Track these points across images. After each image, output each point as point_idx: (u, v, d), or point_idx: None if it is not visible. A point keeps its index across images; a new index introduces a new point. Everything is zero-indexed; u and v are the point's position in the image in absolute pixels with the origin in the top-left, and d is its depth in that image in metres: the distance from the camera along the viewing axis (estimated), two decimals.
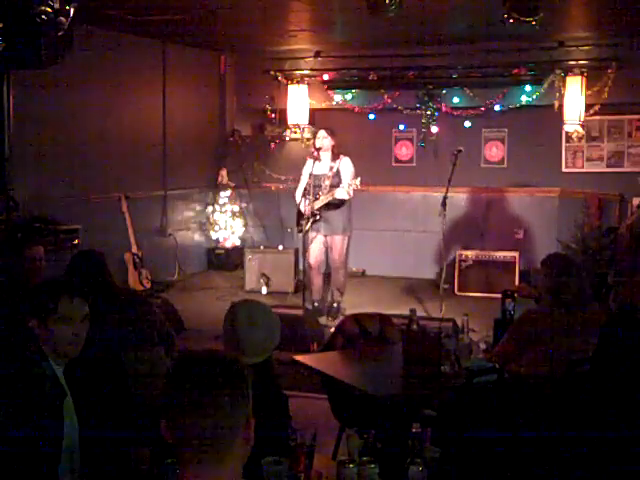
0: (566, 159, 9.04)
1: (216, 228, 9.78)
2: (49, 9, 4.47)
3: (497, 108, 8.80)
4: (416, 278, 9.05)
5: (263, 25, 7.79)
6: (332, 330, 5.30)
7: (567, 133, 8.86)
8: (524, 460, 3.20)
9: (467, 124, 9.05)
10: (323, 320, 7.01)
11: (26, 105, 6.40)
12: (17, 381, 2.67)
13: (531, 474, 3.15)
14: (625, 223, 6.73)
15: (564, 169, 9.05)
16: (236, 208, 9.79)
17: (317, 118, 9.66)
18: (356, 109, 9.36)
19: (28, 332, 2.79)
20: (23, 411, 2.61)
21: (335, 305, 7.31)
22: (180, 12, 6.98)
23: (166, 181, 9.07)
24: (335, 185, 7.03)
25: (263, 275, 8.53)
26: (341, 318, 6.09)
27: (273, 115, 9.61)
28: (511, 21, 5.35)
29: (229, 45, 9.42)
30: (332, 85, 9.35)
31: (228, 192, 9.73)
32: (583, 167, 8.97)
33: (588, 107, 8.32)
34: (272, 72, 9.35)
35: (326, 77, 9.31)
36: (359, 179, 6.83)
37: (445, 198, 7.23)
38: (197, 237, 9.83)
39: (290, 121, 9.36)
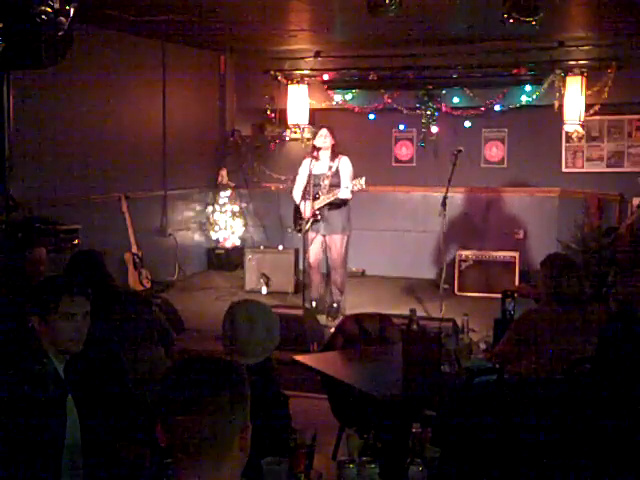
0: (566, 159, 9.04)
1: (216, 228, 9.78)
2: (49, 9, 4.47)
3: (497, 108, 8.80)
4: (416, 278, 9.05)
5: (263, 25, 7.79)
6: (332, 330, 5.31)
7: (567, 133, 8.86)
8: (524, 460, 3.20)
9: (467, 124, 9.04)
10: (323, 320, 7.01)
11: (26, 105, 6.39)
12: (19, 379, 2.67)
13: (531, 474, 3.14)
14: (625, 223, 6.71)
15: (564, 169, 9.05)
16: (236, 208, 9.79)
17: (317, 118, 9.65)
18: (356, 109, 9.36)
19: (29, 330, 2.79)
20: (25, 409, 2.61)
21: (335, 305, 7.31)
22: (180, 12, 6.98)
23: (166, 181, 9.07)
24: (335, 185, 7.02)
25: (263, 275, 8.53)
26: (341, 318, 6.09)
27: (273, 115, 9.61)
28: (511, 21, 5.35)
29: (229, 45, 9.42)
30: (332, 85, 9.35)
31: (228, 192, 9.73)
32: (583, 167, 8.96)
33: (588, 107, 8.32)
34: (272, 72, 9.34)
35: (326, 77, 9.31)
36: (364, 179, 6.79)
37: (445, 198, 7.23)
38: (197, 237, 9.83)
39: (290, 121, 9.35)
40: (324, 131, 7.09)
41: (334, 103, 9.43)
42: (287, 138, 9.72)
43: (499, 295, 4.88)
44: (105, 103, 7.93)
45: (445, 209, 7.25)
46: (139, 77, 8.53)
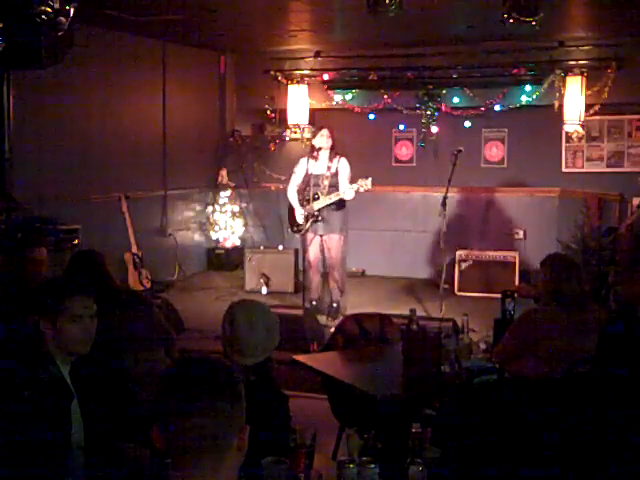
0: (566, 159, 9.03)
1: (216, 228, 9.78)
2: (49, 9, 4.47)
3: (497, 108, 8.80)
4: (416, 278, 9.05)
5: (263, 25, 7.79)
6: (332, 330, 5.31)
7: (567, 133, 8.86)
8: (524, 460, 3.20)
9: (467, 124, 9.04)
10: (323, 320, 7.01)
11: (26, 105, 6.39)
12: (25, 383, 2.67)
13: (531, 474, 3.14)
14: (625, 223, 6.71)
15: (564, 169, 9.04)
16: (236, 208, 9.79)
17: (317, 118, 9.65)
18: (356, 109, 9.36)
19: (35, 332, 2.79)
20: (31, 413, 2.61)
21: (335, 305, 7.31)
22: (180, 12, 6.98)
23: (166, 181, 9.07)
24: (334, 185, 7.03)
25: (263, 275, 8.53)
26: (341, 318, 6.09)
27: (273, 115, 9.61)
28: (511, 21, 5.35)
29: (229, 45, 9.42)
30: (332, 85, 9.35)
31: (228, 192, 9.73)
32: (583, 167, 8.96)
33: (588, 107, 8.32)
34: (272, 72, 9.34)
35: (326, 77, 9.31)
36: (370, 180, 6.82)
37: (445, 198, 7.23)
38: (197, 237, 9.83)
39: (290, 121, 9.35)
40: (325, 131, 7.08)
41: (334, 103, 9.43)
42: (287, 138, 9.72)
43: (499, 295, 4.88)
44: (105, 103, 7.94)
45: (445, 209, 7.25)
46: (139, 77, 8.53)
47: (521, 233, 8.93)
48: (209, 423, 1.71)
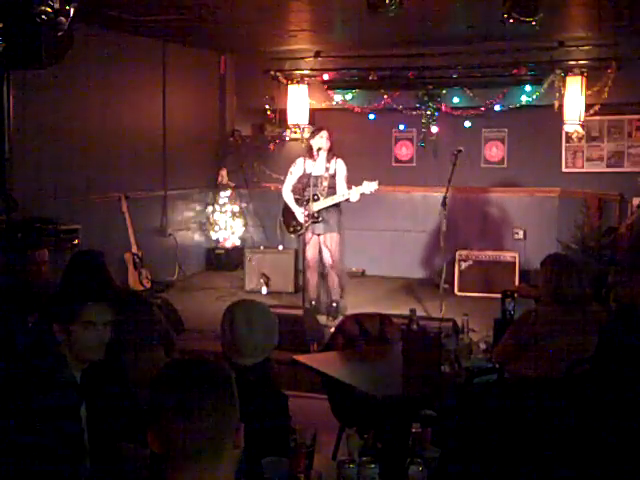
0: (566, 159, 9.03)
1: (216, 228, 9.78)
2: (49, 9, 4.46)
3: (497, 108, 8.80)
4: (416, 278, 9.05)
5: (263, 25, 7.79)
6: (332, 330, 5.31)
7: (567, 133, 8.86)
8: (524, 460, 3.20)
9: (467, 124, 9.04)
10: (323, 320, 7.01)
11: (26, 105, 6.39)
12: (39, 385, 2.67)
13: (531, 474, 3.14)
14: (625, 223, 6.72)
15: (564, 169, 9.04)
16: (236, 208, 9.79)
17: (317, 118, 9.65)
18: (356, 109, 9.36)
19: (49, 337, 2.79)
20: (43, 418, 2.61)
21: (334, 304, 7.31)
22: (180, 12, 6.98)
23: (166, 181, 9.07)
24: (332, 186, 7.06)
25: (263, 275, 8.53)
26: (341, 318, 6.09)
27: (273, 115, 9.61)
28: (511, 21, 5.35)
29: (229, 45, 9.42)
30: (332, 85, 9.35)
31: (228, 192, 9.74)
32: (583, 167, 8.96)
33: (588, 107, 8.32)
34: (272, 72, 9.34)
35: (326, 77, 9.31)
36: (377, 182, 6.87)
37: (445, 198, 7.23)
38: (197, 237, 9.83)
39: (290, 121, 9.36)
40: (325, 133, 7.09)
41: (334, 103, 9.43)
42: (287, 138, 9.72)
43: (499, 295, 4.88)
44: (105, 103, 7.93)
45: (445, 209, 7.25)
46: (139, 77, 8.53)
47: (521, 233, 8.93)
48: (203, 424, 1.71)
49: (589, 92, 8.27)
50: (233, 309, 3.05)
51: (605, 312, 4.29)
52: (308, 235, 7.14)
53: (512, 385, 3.90)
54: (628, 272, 5.83)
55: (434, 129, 9.08)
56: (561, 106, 8.40)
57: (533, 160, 9.09)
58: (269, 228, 9.71)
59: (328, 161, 7.11)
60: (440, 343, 4.01)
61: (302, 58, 9.39)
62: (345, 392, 3.98)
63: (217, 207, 9.74)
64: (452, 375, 3.92)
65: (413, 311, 4.22)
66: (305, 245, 7.12)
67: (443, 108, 9.00)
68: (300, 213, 7.12)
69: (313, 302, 7.33)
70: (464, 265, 8.62)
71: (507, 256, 8.57)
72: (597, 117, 8.60)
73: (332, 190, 7.07)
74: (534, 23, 5.36)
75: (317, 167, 7.07)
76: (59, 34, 4.58)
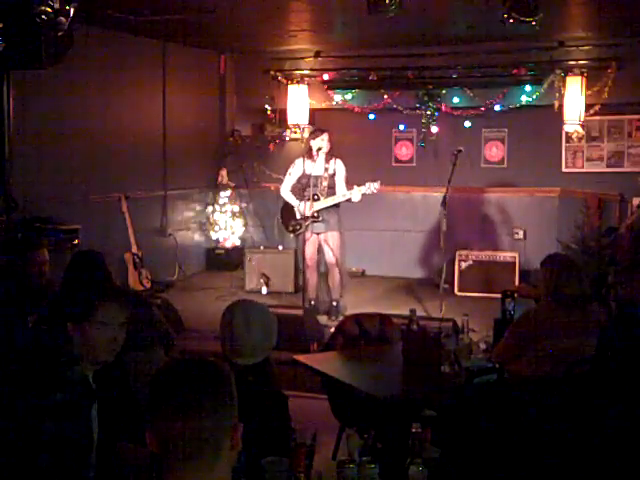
0: (566, 159, 9.03)
1: (216, 228, 9.78)
2: (49, 9, 4.47)
3: (497, 108, 8.80)
4: (416, 278, 9.05)
5: (263, 25, 7.79)
6: (332, 330, 5.31)
7: (567, 133, 8.86)
8: (524, 460, 3.20)
9: (467, 124, 9.04)
10: (323, 320, 7.01)
11: (26, 105, 6.39)
12: (50, 384, 2.67)
13: (531, 474, 3.15)
14: (625, 223, 6.72)
15: (564, 169, 9.04)
16: (236, 208, 9.79)
17: (317, 118, 9.65)
18: (356, 109, 9.36)
19: (64, 335, 2.79)
20: (54, 416, 2.61)
21: (335, 304, 7.32)
22: (180, 12, 6.98)
23: (166, 181, 9.07)
24: (332, 187, 7.07)
25: (263, 275, 8.53)
26: (341, 318, 6.09)
27: (273, 115, 9.61)
28: (511, 21, 5.35)
29: (229, 45, 9.42)
30: (332, 85, 9.35)
31: (228, 192, 9.73)
32: (583, 167, 8.96)
33: (588, 107, 8.32)
34: (272, 72, 9.34)
35: (326, 77, 9.31)
36: (378, 182, 6.89)
37: (445, 198, 7.23)
38: (197, 237, 9.83)
39: (290, 121, 9.36)
40: (326, 135, 7.11)
41: (334, 103, 9.43)
42: (287, 138, 9.72)
43: (499, 295, 4.88)
44: (105, 103, 7.93)
45: (445, 209, 7.25)
46: (139, 77, 8.53)
47: (521, 233, 8.92)
48: (201, 424, 1.71)
49: (589, 92, 8.27)
50: (232, 309, 3.05)
51: (605, 312, 4.29)
52: (307, 235, 7.14)
53: (512, 385, 3.90)
54: (628, 272, 5.83)
55: (434, 129, 9.07)
56: (561, 106, 8.40)
57: (533, 160, 9.08)
58: (269, 228, 9.72)
59: (327, 161, 7.13)
60: (440, 343, 4.02)
61: (302, 58, 9.39)
62: (345, 392, 3.98)
63: (217, 207, 9.74)
64: (452, 375, 3.91)
65: (413, 311, 4.22)
66: (304, 245, 7.13)
67: (443, 108, 8.99)
68: (300, 209, 7.13)
69: (312, 302, 7.34)
70: (464, 265, 8.62)
71: (507, 256, 8.57)
72: (597, 117, 8.60)
73: (332, 190, 7.10)
74: (534, 23, 5.36)
75: (316, 167, 7.07)
76: (59, 34, 4.59)
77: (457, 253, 8.62)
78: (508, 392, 3.79)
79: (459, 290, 8.54)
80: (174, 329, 5.39)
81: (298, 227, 7.19)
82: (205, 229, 9.87)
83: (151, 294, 7.63)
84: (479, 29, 7.63)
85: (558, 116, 8.45)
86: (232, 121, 10.10)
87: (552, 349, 3.91)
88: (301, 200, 7.13)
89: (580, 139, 8.86)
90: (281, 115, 9.52)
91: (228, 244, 9.79)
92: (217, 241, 9.84)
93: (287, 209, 7.33)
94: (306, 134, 9.31)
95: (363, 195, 6.97)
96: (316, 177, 7.08)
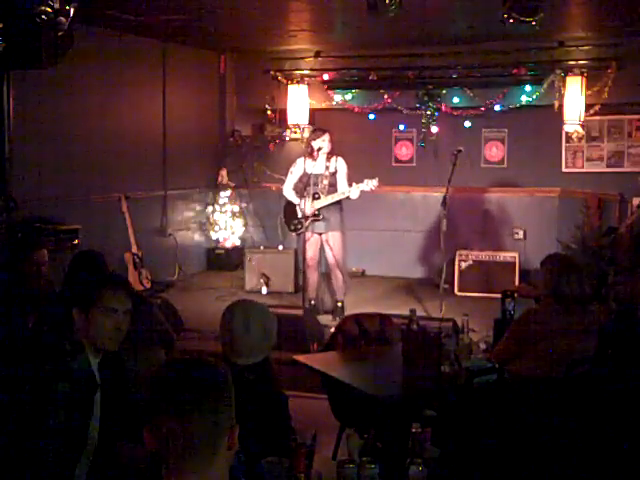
0: (566, 159, 9.04)
1: (216, 228, 9.78)
2: (49, 9, 4.47)
3: (497, 108, 8.80)
4: (416, 278, 9.05)
5: (263, 25, 7.79)
6: (332, 330, 5.31)
7: (567, 133, 8.86)
8: (524, 460, 3.20)
9: (467, 124, 9.04)
10: (324, 320, 7.01)
11: (26, 105, 6.39)
12: (54, 372, 2.67)
13: (531, 474, 3.14)
14: (625, 223, 6.72)
15: (564, 169, 9.05)
16: (236, 208, 9.79)
17: (317, 118, 9.65)
18: (356, 109, 9.36)
19: (68, 322, 2.79)
20: (62, 402, 2.62)
21: (340, 304, 7.33)
22: (180, 12, 6.98)
23: (166, 181, 9.07)
24: (333, 185, 7.07)
25: (263, 275, 8.53)
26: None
27: (273, 115, 9.61)
28: (511, 21, 5.35)
29: (229, 45, 9.42)
30: (332, 85, 9.35)
31: (228, 192, 9.73)
32: (583, 167, 8.96)
33: (588, 107, 8.32)
34: (272, 72, 9.34)
35: (326, 77, 9.31)
36: (376, 179, 6.88)
37: (445, 198, 7.23)
38: (197, 237, 9.83)
39: (290, 121, 9.36)
40: (327, 136, 7.10)
41: (334, 103, 9.43)
42: (287, 138, 9.72)
43: (499, 295, 4.87)
44: (105, 103, 7.94)
45: (445, 209, 7.25)
46: (139, 77, 8.53)
47: (521, 233, 8.92)
48: (199, 425, 1.71)
49: (589, 92, 8.27)
50: (232, 309, 3.05)
51: (605, 312, 4.29)
52: (308, 234, 7.14)
53: (512, 385, 3.90)
54: (628, 272, 5.83)
55: (434, 129, 9.07)
56: (561, 106, 8.40)
57: (533, 160, 9.09)
58: (269, 228, 9.72)
59: (328, 160, 7.12)
60: (440, 343, 4.01)
61: (302, 58, 9.39)
62: (345, 392, 3.98)
63: (217, 207, 9.74)
64: (452, 375, 3.91)
65: (413, 311, 4.21)
66: (305, 244, 7.13)
67: (443, 108, 8.99)
68: (301, 207, 7.13)
69: (313, 302, 7.34)
70: (464, 265, 8.62)
71: (507, 256, 8.57)
72: (597, 117, 8.60)
73: (333, 188, 7.09)
74: (534, 23, 5.36)
75: (317, 166, 7.08)
76: (59, 34, 4.59)
77: (457, 253, 8.62)
78: (508, 392, 3.79)
79: (459, 290, 8.53)
80: (174, 329, 5.39)
81: (300, 226, 7.19)
82: (205, 229, 9.88)
83: (151, 294, 7.62)
84: (479, 29, 7.63)
85: (558, 116, 8.45)
86: (232, 121, 10.09)
87: (552, 349, 3.91)
88: (302, 199, 7.13)
89: (580, 139, 8.86)
90: (281, 115, 9.52)
91: (228, 244, 9.79)
92: (217, 241, 9.84)
93: (289, 208, 7.33)
94: (306, 134, 9.30)
95: (362, 192, 6.98)
96: (317, 176, 7.08)
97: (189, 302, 7.89)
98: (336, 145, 7.22)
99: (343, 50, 9.15)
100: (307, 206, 7.04)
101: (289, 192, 7.31)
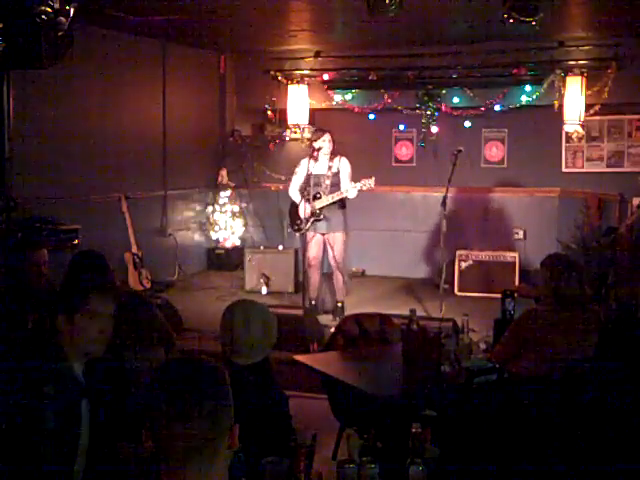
0: (566, 159, 9.04)
1: (216, 228, 9.78)
2: (49, 9, 4.47)
3: (497, 108, 8.80)
4: (416, 278, 9.05)
5: (263, 25, 7.79)
6: (332, 330, 5.31)
7: (567, 133, 8.86)
8: (524, 460, 3.20)
9: (467, 124, 9.04)
10: (324, 319, 7.01)
11: (26, 105, 6.39)
12: (36, 379, 2.66)
13: (531, 474, 3.14)
14: (625, 223, 6.72)
15: (564, 169, 9.05)
16: (236, 208, 9.79)
17: (317, 118, 9.66)
18: (356, 109, 9.36)
19: (52, 329, 2.78)
20: (41, 410, 2.61)
21: (340, 305, 7.33)
22: (180, 12, 6.98)
23: (166, 181, 9.07)
24: (335, 184, 7.06)
25: (263, 275, 8.53)
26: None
27: (273, 115, 9.61)
28: (511, 21, 5.35)
29: (229, 45, 9.42)
30: (332, 85, 9.35)
31: (228, 192, 9.74)
32: (583, 167, 8.96)
33: (588, 107, 8.32)
34: (272, 72, 9.34)
35: (326, 77, 9.31)
36: (373, 179, 6.88)
37: (445, 198, 7.23)
38: (197, 237, 9.83)
39: (290, 121, 9.36)
40: (328, 136, 7.09)
41: (334, 103, 9.43)
42: (287, 138, 9.72)
43: (499, 295, 4.88)
44: (105, 103, 7.94)
45: (445, 209, 7.26)
46: (139, 77, 8.53)
47: (521, 233, 8.92)
48: (199, 425, 1.71)
49: (589, 92, 8.27)
50: (232, 309, 3.06)
51: (605, 312, 4.29)
52: (310, 234, 7.15)
53: (512, 385, 3.90)
54: (628, 272, 5.83)
55: (434, 129, 9.08)
56: (561, 106, 8.40)
57: (533, 160, 9.09)
58: (269, 228, 9.73)
59: (331, 160, 7.12)
60: (440, 343, 4.01)
61: (302, 58, 9.39)
62: (345, 392, 3.98)
63: (217, 207, 9.74)
64: (452, 375, 3.91)
65: (413, 311, 4.21)
66: (307, 244, 7.14)
67: (443, 108, 9.00)
68: (302, 207, 7.13)
69: (313, 302, 7.34)
70: (464, 265, 8.62)
71: (507, 256, 8.57)
72: (597, 117, 8.60)
73: (335, 188, 7.07)
74: (534, 23, 5.36)
75: (320, 166, 7.08)
76: (59, 34, 4.58)
77: (457, 253, 8.62)
78: (508, 392, 3.79)
79: (459, 290, 8.53)
80: (174, 329, 5.39)
81: (303, 226, 7.19)
82: (205, 229, 9.88)
83: (151, 294, 7.62)
84: (479, 29, 7.62)
85: (558, 116, 8.45)
86: (232, 121, 10.10)
87: (552, 349, 3.91)
88: (305, 199, 7.13)
89: (580, 139, 8.86)
90: (281, 115, 9.52)
91: (228, 244, 9.79)
92: (217, 241, 9.85)
93: (294, 208, 7.33)
94: (306, 134, 9.32)
95: (361, 192, 6.97)
96: (319, 176, 7.08)
97: (189, 302, 7.89)
98: (336, 145, 7.22)
99: (343, 50, 9.15)
100: (307, 206, 7.05)
101: (294, 193, 7.30)
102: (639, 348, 3.29)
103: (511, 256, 8.56)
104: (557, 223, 8.75)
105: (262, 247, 8.98)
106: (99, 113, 7.86)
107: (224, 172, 9.75)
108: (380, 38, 8.33)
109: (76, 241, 6.73)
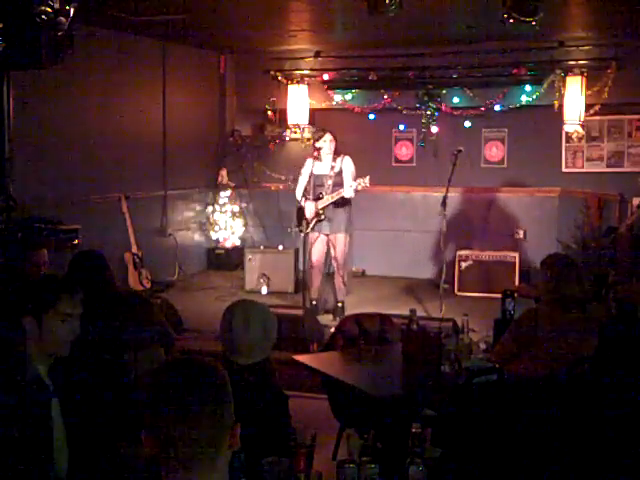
0: (566, 159, 9.03)
1: (216, 228, 9.78)
2: (49, 9, 4.47)
3: (497, 108, 8.80)
4: (416, 278, 9.05)
5: (263, 25, 7.79)
6: (332, 330, 5.31)
7: (567, 133, 8.86)
8: (524, 460, 3.20)
9: (467, 124, 9.04)
10: (324, 319, 7.01)
11: (26, 105, 6.39)
12: (2, 387, 2.62)
13: (531, 474, 3.14)
14: (625, 223, 6.73)
15: (564, 169, 9.05)
16: (236, 208, 9.79)
17: (317, 118, 9.65)
18: (356, 109, 9.36)
19: (16, 332, 2.74)
20: (11, 416, 2.57)
21: (340, 305, 7.32)
22: (180, 12, 6.98)
23: (166, 181, 9.07)
24: (338, 184, 7.06)
25: (263, 275, 8.53)
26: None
27: (273, 115, 9.62)
28: (511, 21, 5.35)
29: (229, 45, 9.42)
30: (332, 85, 9.35)
31: (228, 192, 9.74)
32: (583, 167, 8.96)
33: (588, 107, 8.32)
34: (272, 72, 9.35)
35: (326, 77, 9.31)
36: (368, 178, 6.87)
37: (445, 198, 7.23)
38: (197, 237, 9.83)
39: (290, 121, 9.36)
40: (328, 136, 7.09)
41: (334, 103, 9.43)
42: (287, 138, 9.72)
43: (499, 295, 4.88)
44: (105, 103, 7.93)
45: (445, 209, 7.26)
46: (139, 77, 8.53)
47: (521, 233, 8.93)
48: (200, 426, 1.70)
49: (589, 92, 8.27)
50: (232, 309, 3.05)
51: (605, 312, 4.29)
52: (314, 235, 7.15)
53: (512, 385, 3.90)
54: (628, 272, 5.83)
55: (434, 129, 9.08)
56: (561, 106, 8.40)
57: (533, 160, 9.09)
58: (269, 228, 9.73)
59: (334, 160, 7.12)
60: (440, 343, 4.01)
61: (302, 58, 9.39)
62: (345, 392, 3.98)
63: (217, 207, 9.74)
64: (452, 375, 3.91)
65: (413, 311, 4.21)
66: (311, 245, 7.13)
67: (443, 108, 9.00)
68: (305, 207, 7.13)
69: (314, 302, 7.34)
70: (464, 265, 8.62)
71: (507, 256, 8.57)
72: (597, 117, 8.60)
73: (338, 188, 7.05)
74: (534, 23, 5.36)
75: (322, 166, 7.08)
76: (59, 34, 4.59)
77: (457, 253, 8.63)
78: (508, 392, 3.79)
79: (459, 290, 8.54)
80: (174, 329, 5.39)
81: (306, 226, 7.18)
82: (205, 229, 9.88)
83: (151, 294, 7.62)
84: (479, 29, 7.62)
85: (558, 116, 8.45)
86: (232, 121, 10.10)
87: (552, 349, 3.91)
88: (305, 199, 7.13)
89: (580, 139, 8.86)
90: (281, 115, 9.53)
91: (228, 244, 9.79)
92: (217, 241, 9.85)
93: (300, 209, 7.32)
94: (306, 134, 9.32)
95: (361, 192, 6.97)
96: (321, 176, 7.08)
97: (189, 302, 7.89)
98: (339, 145, 7.22)
99: (343, 50, 9.15)
100: (309, 206, 7.05)
101: (300, 194, 7.29)
102: (639, 348, 3.29)
103: (511, 256, 8.56)
104: (557, 223, 8.75)
105: (262, 247, 8.98)
106: (99, 113, 7.86)
107: (224, 172, 9.75)
108: (380, 38, 8.33)
109: (76, 241, 6.72)
